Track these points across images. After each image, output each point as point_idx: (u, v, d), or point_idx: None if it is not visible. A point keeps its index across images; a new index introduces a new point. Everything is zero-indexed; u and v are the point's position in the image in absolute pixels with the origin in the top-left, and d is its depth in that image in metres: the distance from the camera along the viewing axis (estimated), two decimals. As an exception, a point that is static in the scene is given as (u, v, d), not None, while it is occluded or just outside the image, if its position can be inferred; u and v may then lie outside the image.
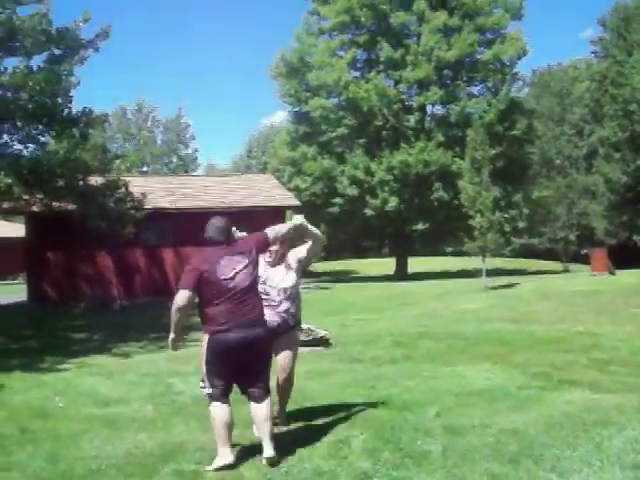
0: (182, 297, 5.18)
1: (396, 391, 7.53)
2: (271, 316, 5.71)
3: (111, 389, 8.70)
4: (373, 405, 6.86)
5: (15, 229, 39.87)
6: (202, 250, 5.41)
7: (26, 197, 15.39)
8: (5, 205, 18.96)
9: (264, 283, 5.80)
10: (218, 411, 5.25)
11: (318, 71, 34.82)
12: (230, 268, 5.20)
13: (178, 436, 6.18)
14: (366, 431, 5.87)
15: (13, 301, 23.18)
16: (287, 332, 5.99)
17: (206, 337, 5.26)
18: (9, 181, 11.80)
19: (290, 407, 6.84)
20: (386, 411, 6.61)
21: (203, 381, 5.38)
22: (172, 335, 5.32)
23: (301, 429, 6.18)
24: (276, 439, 5.35)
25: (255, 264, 5.38)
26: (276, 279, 5.92)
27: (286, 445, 5.58)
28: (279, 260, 6.00)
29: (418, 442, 5.51)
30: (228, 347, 5.15)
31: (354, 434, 5.83)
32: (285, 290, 5.92)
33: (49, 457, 5.62)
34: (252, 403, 5.37)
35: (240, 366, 5.25)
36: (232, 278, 5.18)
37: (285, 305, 5.92)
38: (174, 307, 5.20)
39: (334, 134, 35.22)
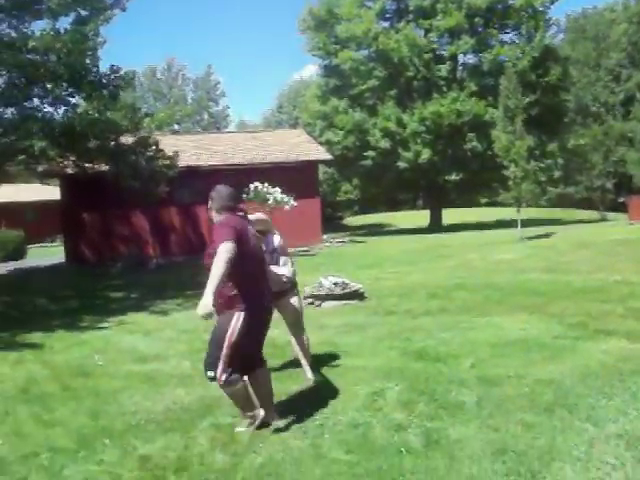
0: (230, 248, 4.55)
1: (431, 343, 7.55)
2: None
3: (149, 346, 8.83)
4: (408, 357, 6.89)
5: (50, 192, 40.44)
6: (230, 217, 4.97)
7: (60, 159, 15.51)
8: (40, 168, 19.20)
9: None
10: (240, 388, 5.01)
11: (347, 23, 34.30)
12: (254, 237, 5.14)
13: (215, 391, 6.22)
14: (401, 383, 5.91)
15: (52, 263, 23.55)
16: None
17: (236, 315, 4.88)
18: (43, 144, 11.88)
19: (325, 360, 6.92)
20: (421, 363, 6.63)
21: (215, 369, 4.91)
22: (209, 297, 4.37)
23: (336, 382, 6.21)
24: (310, 391, 5.40)
25: None
26: None
27: (321, 398, 5.67)
28: None
29: (453, 393, 5.54)
30: (267, 314, 5.14)
31: (389, 386, 5.87)
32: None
33: (90, 413, 5.76)
34: (259, 370, 5.26)
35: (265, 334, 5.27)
36: (257, 247, 5.20)
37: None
38: (224, 257, 4.48)
39: (365, 86, 34.81)
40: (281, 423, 5.13)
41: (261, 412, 5.12)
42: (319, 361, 7.14)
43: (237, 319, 4.87)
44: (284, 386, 6.05)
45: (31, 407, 6.15)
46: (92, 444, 4.99)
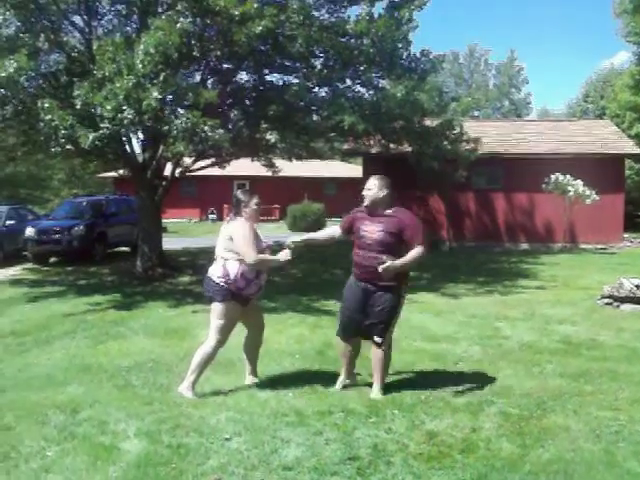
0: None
1: None
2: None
3: (440, 327, 8.94)
4: None
5: (348, 170, 42.55)
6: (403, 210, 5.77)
7: (366, 138, 16.14)
8: (345, 146, 20.18)
9: None
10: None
11: (672, 4, 31.39)
12: None
13: (504, 379, 6.17)
14: None
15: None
16: None
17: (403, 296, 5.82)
18: (353, 119, 12.43)
19: (624, 365, 6.53)
20: None
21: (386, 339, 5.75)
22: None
23: (633, 390, 5.82)
24: (602, 395, 5.05)
25: None
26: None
27: (615, 404, 5.43)
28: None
29: None
30: None
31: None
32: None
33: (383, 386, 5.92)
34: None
35: None
36: None
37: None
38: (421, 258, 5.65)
39: (684, 76, 31.69)
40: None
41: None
42: (616, 363, 6.73)
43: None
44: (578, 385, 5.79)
45: (325, 368, 6.53)
46: (382, 412, 5.17)
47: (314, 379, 6.08)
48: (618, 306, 10.17)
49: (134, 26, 13.59)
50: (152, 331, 8.89)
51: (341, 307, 5.90)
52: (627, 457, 4.35)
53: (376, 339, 5.60)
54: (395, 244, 5.49)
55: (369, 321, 5.59)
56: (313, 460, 4.31)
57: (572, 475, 4.11)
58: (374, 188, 5.63)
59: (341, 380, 5.92)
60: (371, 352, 5.70)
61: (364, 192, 5.67)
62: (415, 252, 5.49)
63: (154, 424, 5.00)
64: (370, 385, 5.75)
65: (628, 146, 23.69)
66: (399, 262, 5.40)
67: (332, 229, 6.17)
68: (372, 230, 5.54)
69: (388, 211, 5.61)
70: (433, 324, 9.14)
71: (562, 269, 15.81)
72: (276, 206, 39.67)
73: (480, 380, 6.13)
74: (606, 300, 10.38)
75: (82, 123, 11.03)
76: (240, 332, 8.49)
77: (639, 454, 4.40)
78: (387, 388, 5.73)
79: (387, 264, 5.32)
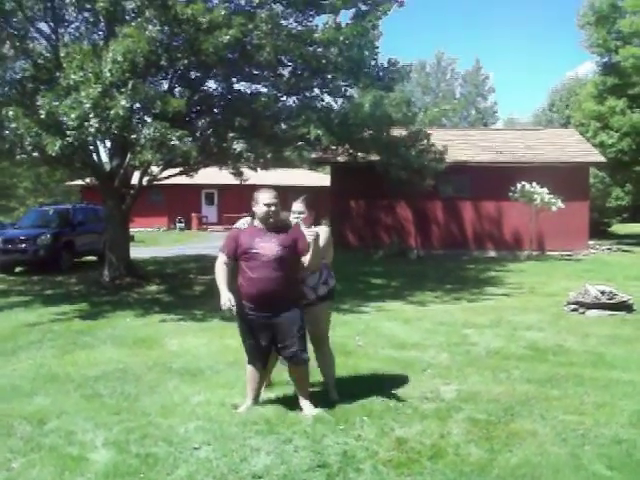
0: None
1: None
2: None
3: (408, 334, 8.99)
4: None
5: (316, 179, 42.64)
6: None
7: (333, 148, 16.22)
8: (313, 155, 20.24)
9: None
10: None
11: (632, 16, 31.92)
12: None
13: (472, 386, 6.23)
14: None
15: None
16: None
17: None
18: (319, 132, 12.50)
19: (590, 370, 6.61)
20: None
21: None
22: None
23: (596, 393, 5.91)
24: (569, 399, 5.14)
25: None
26: None
27: (581, 408, 5.48)
28: None
29: None
30: None
31: (658, 406, 5.47)
32: None
33: (349, 392, 5.90)
34: None
35: None
36: None
37: None
38: None
39: (645, 86, 32.18)
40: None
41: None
42: (582, 368, 6.82)
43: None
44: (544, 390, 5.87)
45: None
46: (352, 419, 5.18)
47: (283, 387, 6.08)
48: (584, 312, 10.30)
49: (101, 34, 13.52)
50: (120, 340, 8.82)
51: None
52: (592, 460, 4.41)
53: None
54: None
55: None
56: (282, 468, 4.32)
57: (539, 478, 4.17)
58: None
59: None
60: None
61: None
62: None
63: (122, 434, 4.97)
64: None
65: (593, 154, 24.08)
66: None
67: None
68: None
69: None
70: (401, 332, 9.18)
71: (529, 276, 16.00)
72: (244, 214, 39.41)
73: (448, 387, 6.18)
74: (572, 306, 10.52)
75: (48, 131, 10.93)
76: (208, 342, 8.48)
77: (604, 457, 4.46)
78: (356, 395, 5.74)
79: None
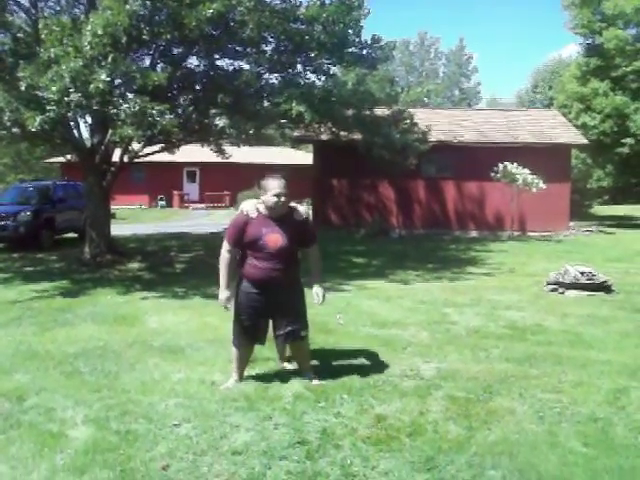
0: None
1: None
2: None
3: (388, 312, 9.02)
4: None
5: (302, 157, 42.48)
6: None
7: (316, 125, 16.14)
8: (296, 133, 20.14)
9: None
10: None
11: (616, -1, 31.92)
12: None
13: (452, 364, 6.27)
14: (650, 383, 5.53)
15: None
16: None
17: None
18: (301, 109, 12.42)
19: (568, 350, 6.67)
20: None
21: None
22: None
23: (575, 372, 5.97)
24: (548, 378, 5.18)
25: None
26: None
27: (559, 386, 5.54)
28: None
29: None
30: None
31: (634, 385, 5.56)
32: None
33: (330, 369, 5.98)
34: None
35: None
36: None
37: None
38: None
39: (629, 68, 32.26)
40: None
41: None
42: (560, 347, 6.89)
43: None
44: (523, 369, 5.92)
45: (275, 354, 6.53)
46: (331, 396, 5.20)
47: (264, 364, 6.09)
48: (563, 292, 10.38)
49: (82, 7, 13.31)
50: (101, 318, 8.77)
51: None
52: (569, 437, 4.47)
53: None
54: None
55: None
56: (262, 444, 4.33)
57: (517, 455, 4.20)
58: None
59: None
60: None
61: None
62: None
63: (102, 411, 4.96)
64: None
65: (574, 136, 24.18)
66: None
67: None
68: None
69: None
70: (382, 310, 9.21)
71: (509, 256, 16.09)
72: (226, 193, 39.48)
73: (428, 365, 6.21)
74: (552, 286, 10.59)
75: (28, 106, 10.79)
76: (188, 319, 8.46)
77: (580, 434, 4.51)
78: (336, 373, 5.77)
79: None
